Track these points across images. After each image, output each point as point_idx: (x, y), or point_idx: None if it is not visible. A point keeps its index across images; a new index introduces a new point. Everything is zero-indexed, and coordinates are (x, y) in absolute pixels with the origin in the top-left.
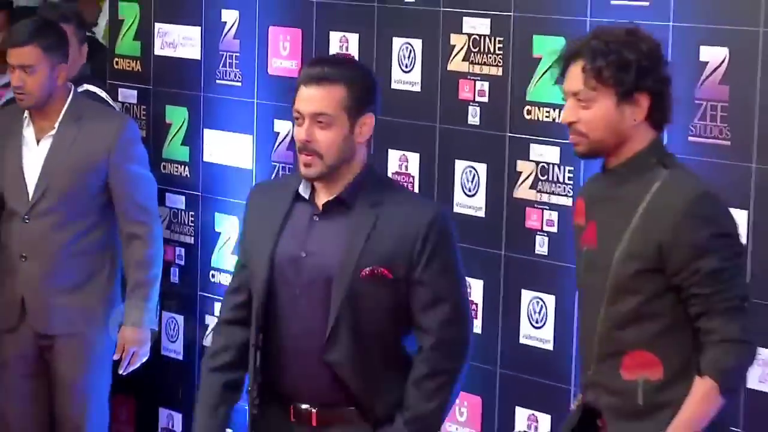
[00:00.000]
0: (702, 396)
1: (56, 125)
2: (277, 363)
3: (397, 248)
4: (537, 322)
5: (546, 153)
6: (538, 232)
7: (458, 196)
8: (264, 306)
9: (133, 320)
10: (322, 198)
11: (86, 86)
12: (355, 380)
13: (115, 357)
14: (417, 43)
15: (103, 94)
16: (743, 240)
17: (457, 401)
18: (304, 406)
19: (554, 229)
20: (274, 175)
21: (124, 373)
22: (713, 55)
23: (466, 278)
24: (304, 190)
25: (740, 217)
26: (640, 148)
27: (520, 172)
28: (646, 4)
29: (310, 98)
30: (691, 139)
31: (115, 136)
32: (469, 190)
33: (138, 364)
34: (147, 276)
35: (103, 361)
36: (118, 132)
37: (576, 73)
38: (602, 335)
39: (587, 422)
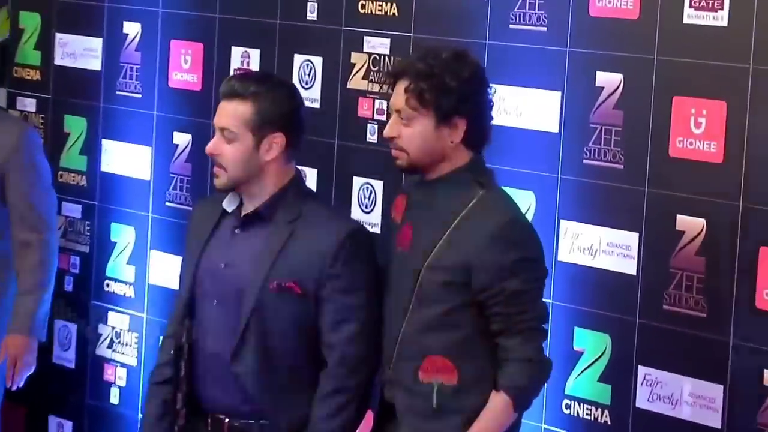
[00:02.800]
0: (497, 410)
1: None
2: (198, 373)
3: (307, 264)
4: None
5: None
6: None
7: (355, 212)
8: (188, 317)
9: (19, 327)
10: (245, 211)
11: None
12: (260, 393)
13: None
14: (317, 61)
15: None
16: (634, 260)
17: None
18: (220, 416)
19: None
20: (171, 187)
21: (14, 388)
22: (608, 80)
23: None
24: (227, 205)
25: (632, 239)
26: (457, 167)
27: None
28: (544, 29)
29: (221, 112)
30: (585, 162)
31: (14, 144)
32: (366, 207)
33: (24, 376)
34: (36, 283)
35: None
36: (18, 139)
37: (400, 91)
38: (405, 337)
39: (385, 417)
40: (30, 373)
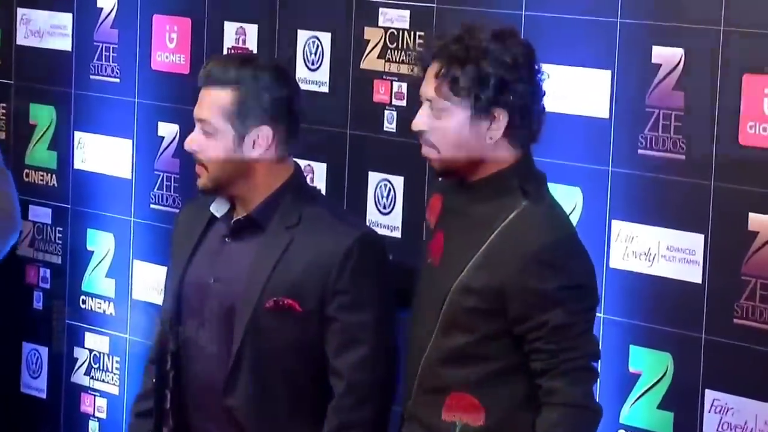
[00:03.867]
0: None
1: None
2: (186, 405)
3: (308, 277)
4: None
5: None
6: None
7: (372, 213)
8: (172, 339)
9: None
10: (237, 216)
11: None
12: (258, 428)
13: None
14: (325, 37)
15: None
16: (700, 268)
17: None
18: None
19: None
20: (156, 187)
21: None
22: (666, 56)
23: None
24: (216, 209)
25: (696, 242)
26: (500, 168)
27: None
28: None
29: (199, 102)
30: (640, 152)
31: None
32: (384, 207)
33: None
34: None
35: None
36: None
37: (431, 77)
38: (426, 367)
39: None
40: None
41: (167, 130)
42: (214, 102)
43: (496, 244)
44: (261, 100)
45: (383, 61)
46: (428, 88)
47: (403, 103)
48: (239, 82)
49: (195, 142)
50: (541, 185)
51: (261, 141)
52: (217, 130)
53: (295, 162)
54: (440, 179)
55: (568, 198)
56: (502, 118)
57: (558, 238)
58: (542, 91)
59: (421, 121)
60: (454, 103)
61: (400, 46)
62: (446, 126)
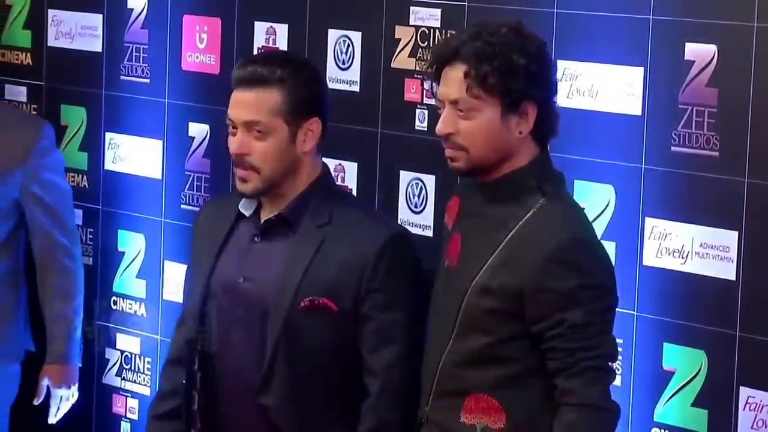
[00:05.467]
0: None
1: None
2: (214, 405)
3: (342, 276)
4: None
5: None
6: None
7: (403, 212)
8: (198, 341)
9: (57, 356)
10: (266, 215)
11: None
12: (293, 427)
13: (37, 401)
14: (356, 36)
15: None
16: (733, 268)
17: None
18: None
19: None
20: (187, 187)
21: (55, 421)
22: (700, 53)
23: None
24: (245, 207)
25: (730, 239)
26: (518, 167)
27: None
28: None
29: (243, 104)
30: (674, 149)
31: (29, 145)
32: (416, 206)
33: (66, 408)
34: (71, 306)
35: (2, 403)
36: (33, 139)
37: (455, 78)
38: (444, 370)
39: None
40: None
41: (198, 130)
42: (265, 102)
43: (514, 244)
44: (308, 93)
45: (414, 59)
46: (452, 90)
47: (434, 101)
48: (286, 79)
49: (245, 145)
50: (559, 184)
51: (311, 134)
52: (271, 129)
53: (323, 161)
54: (460, 181)
55: (601, 196)
56: (531, 111)
57: (576, 237)
58: (557, 84)
59: (447, 123)
60: (484, 101)
61: (431, 44)
62: (477, 125)
